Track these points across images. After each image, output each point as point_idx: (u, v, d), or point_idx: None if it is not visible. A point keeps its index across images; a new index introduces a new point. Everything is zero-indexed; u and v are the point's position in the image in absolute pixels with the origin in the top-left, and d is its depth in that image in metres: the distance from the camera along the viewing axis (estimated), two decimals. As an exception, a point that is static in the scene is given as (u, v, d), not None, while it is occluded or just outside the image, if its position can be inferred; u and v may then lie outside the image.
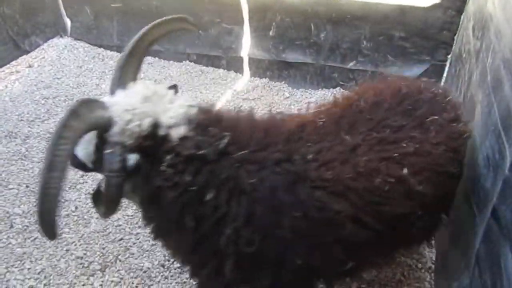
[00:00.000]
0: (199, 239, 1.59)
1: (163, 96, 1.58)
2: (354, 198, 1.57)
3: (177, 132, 1.50)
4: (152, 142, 1.48)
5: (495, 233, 1.47)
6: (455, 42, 3.55)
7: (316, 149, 1.62)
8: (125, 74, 1.65)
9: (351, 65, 4.02)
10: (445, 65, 3.71)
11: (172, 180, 1.48)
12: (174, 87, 1.73)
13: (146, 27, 1.77)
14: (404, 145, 1.65)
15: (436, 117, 1.76)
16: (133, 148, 1.46)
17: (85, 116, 1.37)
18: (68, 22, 4.89)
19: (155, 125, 1.49)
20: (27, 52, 4.69)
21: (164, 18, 1.83)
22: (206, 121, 1.57)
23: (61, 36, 4.98)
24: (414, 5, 3.55)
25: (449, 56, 3.65)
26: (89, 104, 1.42)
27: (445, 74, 3.75)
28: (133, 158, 1.47)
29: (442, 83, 3.77)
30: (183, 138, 1.49)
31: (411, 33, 3.69)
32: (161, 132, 1.49)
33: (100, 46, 4.83)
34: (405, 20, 3.65)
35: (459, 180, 1.88)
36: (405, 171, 1.62)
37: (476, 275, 1.61)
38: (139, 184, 1.54)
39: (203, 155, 1.48)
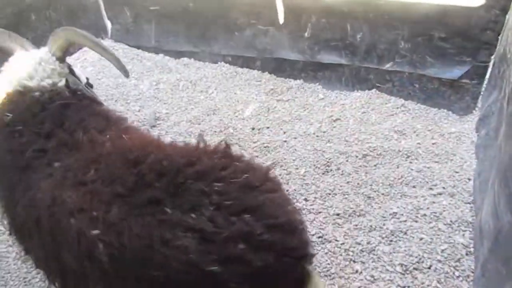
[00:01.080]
0: None
1: (27, 65, 2.05)
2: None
3: None
4: None
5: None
6: (499, 42, 3.41)
7: (62, 162, 1.64)
8: (53, 44, 2.18)
9: (388, 66, 3.94)
10: (487, 66, 3.57)
11: None
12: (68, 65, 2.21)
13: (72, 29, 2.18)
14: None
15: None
16: None
17: None
18: (108, 25, 5.07)
19: None
20: (70, 53, 4.89)
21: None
22: (15, 98, 1.94)
23: (102, 38, 5.16)
24: (455, 4, 3.43)
25: (492, 57, 3.51)
26: None
27: (487, 76, 3.61)
28: None
29: (484, 85, 3.64)
30: None
31: (452, 33, 3.58)
32: None
33: (138, 48, 4.98)
34: (446, 20, 3.54)
35: None
36: (95, 232, 1.38)
37: (520, 286, 1.54)
38: None
39: None
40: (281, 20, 4.18)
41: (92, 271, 1.40)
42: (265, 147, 3.46)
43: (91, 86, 2.34)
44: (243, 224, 1.35)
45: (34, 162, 1.68)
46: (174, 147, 1.67)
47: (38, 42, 4.47)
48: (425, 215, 2.74)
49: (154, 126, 3.76)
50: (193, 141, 3.54)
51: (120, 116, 2.07)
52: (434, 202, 2.83)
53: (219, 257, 1.31)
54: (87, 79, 2.35)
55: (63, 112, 1.86)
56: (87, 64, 4.71)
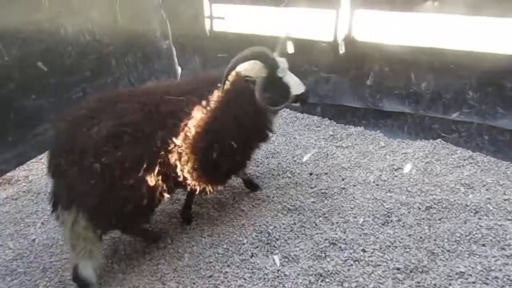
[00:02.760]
0: None
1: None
2: None
3: None
4: None
5: None
6: None
7: None
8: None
9: (454, 116, 3.81)
10: None
11: None
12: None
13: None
14: None
15: None
16: None
17: None
18: (179, 70, 5.43)
19: None
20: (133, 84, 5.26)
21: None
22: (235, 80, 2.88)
23: (171, 82, 5.53)
24: (529, 54, 3.30)
25: None
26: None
27: None
28: None
29: None
30: None
31: (525, 84, 3.42)
32: None
33: (204, 91, 5.25)
34: (518, 70, 3.40)
35: None
36: None
37: None
38: None
39: None
40: (343, 67, 4.24)
41: None
42: (322, 193, 3.42)
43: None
44: None
45: None
46: None
47: (116, 84, 4.89)
48: (497, 277, 2.52)
49: (214, 166, 3.87)
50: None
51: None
52: (507, 264, 2.60)
53: None
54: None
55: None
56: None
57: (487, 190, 3.31)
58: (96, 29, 4.50)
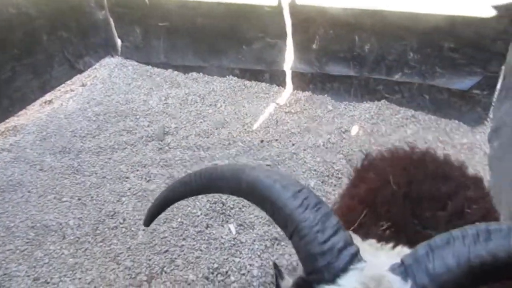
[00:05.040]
0: None
1: None
2: None
3: None
4: None
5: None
6: (508, 52, 3.38)
7: None
8: None
9: (397, 77, 3.92)
10: (498, 76, 3.54)
11: None
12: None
13: None
14: None
15: None
16: None
17: None
18: (118, 42, 5.14)
19: None
20: (81, 71, 4.95)
21: None
22: None
23: (112, 56, 5.24)
24: (465, 15, 3.42)
25: (503, 67, 3.47)
26: None
27: (498, 86, 3.57)
28: None
29: (495, 96, 3.60)
30: None
31: (462, 44, 3.56)
32: None
33: (148, 64, 5.03)
34: (455, 30, 3.53)
35: None
36: None
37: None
38: None
39: None
40: (289, 32, 4.20)
41: None
42: (274, 159, 3.44)
43: None
44: None
45: None
46: None
47: (50, 61, 4.56)
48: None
49: (162, 140, 3.77)
50: (202, 154, 3.54)
51: None
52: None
53: None
54: None
55: None
56: (97, 82, 4.77)
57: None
58: (21, 1, 4.12)
